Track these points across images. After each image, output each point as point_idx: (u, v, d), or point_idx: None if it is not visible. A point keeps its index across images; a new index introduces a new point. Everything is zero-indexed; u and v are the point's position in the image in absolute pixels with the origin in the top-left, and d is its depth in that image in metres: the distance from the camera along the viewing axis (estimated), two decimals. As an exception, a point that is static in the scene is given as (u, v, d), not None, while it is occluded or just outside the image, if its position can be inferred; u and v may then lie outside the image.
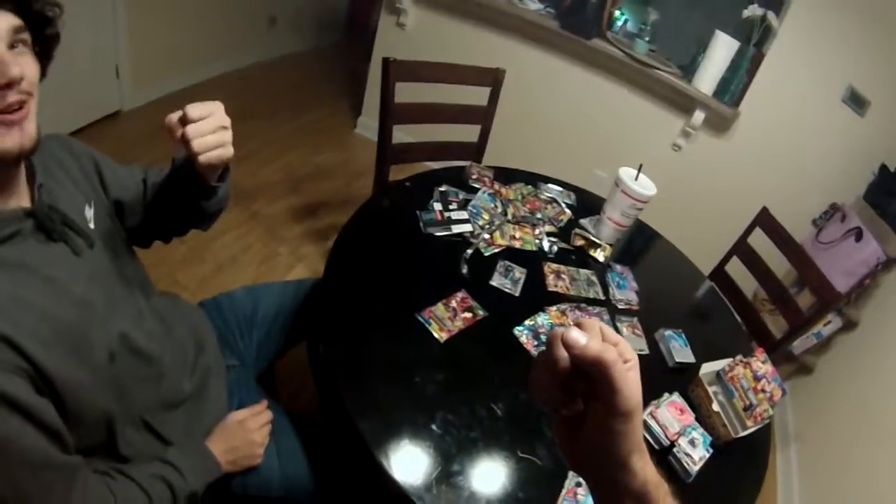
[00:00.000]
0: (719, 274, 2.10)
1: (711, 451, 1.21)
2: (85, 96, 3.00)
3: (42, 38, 0.81)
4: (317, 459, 1.25)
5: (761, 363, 1.35)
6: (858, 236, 2.52)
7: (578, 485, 1.09)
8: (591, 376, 0.50)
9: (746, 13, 2.68)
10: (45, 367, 0.73)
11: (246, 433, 1.16)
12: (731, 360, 1.35)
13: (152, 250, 1.24)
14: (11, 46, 0.73)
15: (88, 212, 0.94)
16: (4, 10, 0.73)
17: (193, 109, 0.83)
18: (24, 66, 0.74)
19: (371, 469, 1.03)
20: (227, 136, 0.89)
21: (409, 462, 1.04)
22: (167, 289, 1.22)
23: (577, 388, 0.52)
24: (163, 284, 1.22)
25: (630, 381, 0.50)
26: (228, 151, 0.90)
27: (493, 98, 2.22)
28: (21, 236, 0.78)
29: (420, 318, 1.31)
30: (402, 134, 2.12)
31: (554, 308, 1.45)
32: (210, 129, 0.85)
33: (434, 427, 1.11)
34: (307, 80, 4.62)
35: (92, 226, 0.93)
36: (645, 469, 0.53)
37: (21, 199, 0.80)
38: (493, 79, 2.19)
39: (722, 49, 2.74)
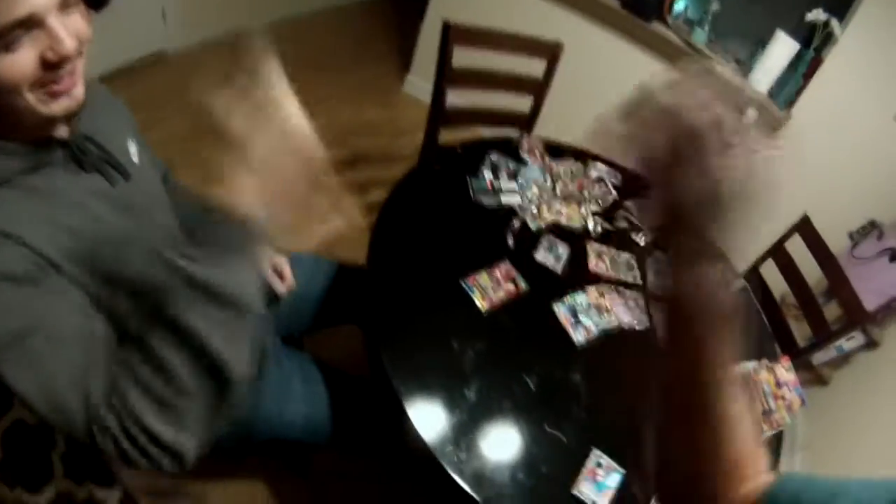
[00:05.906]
0: (753, 274, 2.10)
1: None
2: (129, 35, 2.84)
3: None
4: (339, 408, 1.27)
5: (785, 371, 1.37)
6: (893, 257, 2.50)
7: (599, 465, 1.13)
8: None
9: (810, 16, 2.61)
10: (85, 284, 0.75)
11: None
12: (756, 362, 1.37)
13: (190, 187, 1.25)
14: (64, 6, 0.67)
15: (132, 146, 0.94)
16: None
17: None
18: (77, 27, 0.70)
19: (398, 425, 1.07)
20: None
21: (437, 422, 1.08)
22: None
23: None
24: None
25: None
26: None
27: (549, 72, 2.19)
28: (51, 166, 0.77)
29: (464, 285, 1.33)
30: (453, 97, 2.10)
31: (593, 288, 1.47)
32: None
33: (467, 393, 1.14)
34: (357, 33, 4.53)
35: (136, 160, 0.93)
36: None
37: (60, 128, 0.78)
38: (550, 53, 2.16)
39: (781, 49, 2.68)
